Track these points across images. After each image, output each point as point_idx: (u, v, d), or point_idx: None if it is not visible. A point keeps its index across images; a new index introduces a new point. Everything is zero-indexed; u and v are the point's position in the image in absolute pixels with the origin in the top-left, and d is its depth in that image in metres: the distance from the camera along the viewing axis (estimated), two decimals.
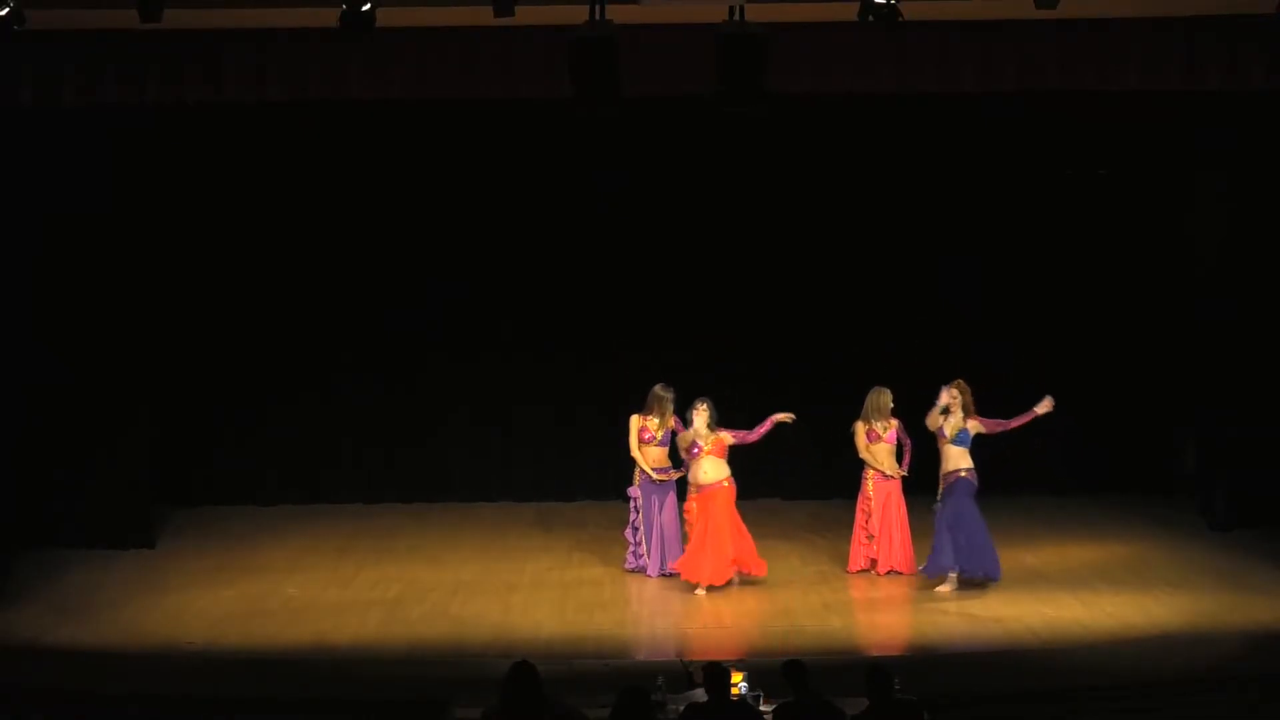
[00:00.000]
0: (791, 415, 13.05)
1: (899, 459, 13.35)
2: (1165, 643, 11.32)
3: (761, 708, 8.62)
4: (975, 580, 12.72)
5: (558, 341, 15.94)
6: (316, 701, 10.29)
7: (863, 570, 13.36)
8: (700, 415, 12.85)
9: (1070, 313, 15.96)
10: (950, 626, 11.89)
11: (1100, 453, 16.06)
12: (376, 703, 10.26)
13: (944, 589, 12.72)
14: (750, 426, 13.01)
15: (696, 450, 12.88)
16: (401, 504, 16.00)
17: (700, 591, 12.68)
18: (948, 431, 12.75)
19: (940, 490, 12.88)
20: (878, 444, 13.30)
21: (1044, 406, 12.82)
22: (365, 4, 10.83)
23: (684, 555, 12.93)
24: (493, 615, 12.25)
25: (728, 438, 12.92)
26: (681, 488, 13.35)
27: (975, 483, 12.83)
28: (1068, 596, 12.46)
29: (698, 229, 15.83)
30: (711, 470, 12.84)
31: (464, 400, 16.06)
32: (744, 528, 12.95)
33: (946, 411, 12.77)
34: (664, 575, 13.14)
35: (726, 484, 12.83)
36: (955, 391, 12.79)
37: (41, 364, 14.03)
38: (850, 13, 11.13)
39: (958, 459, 12.79)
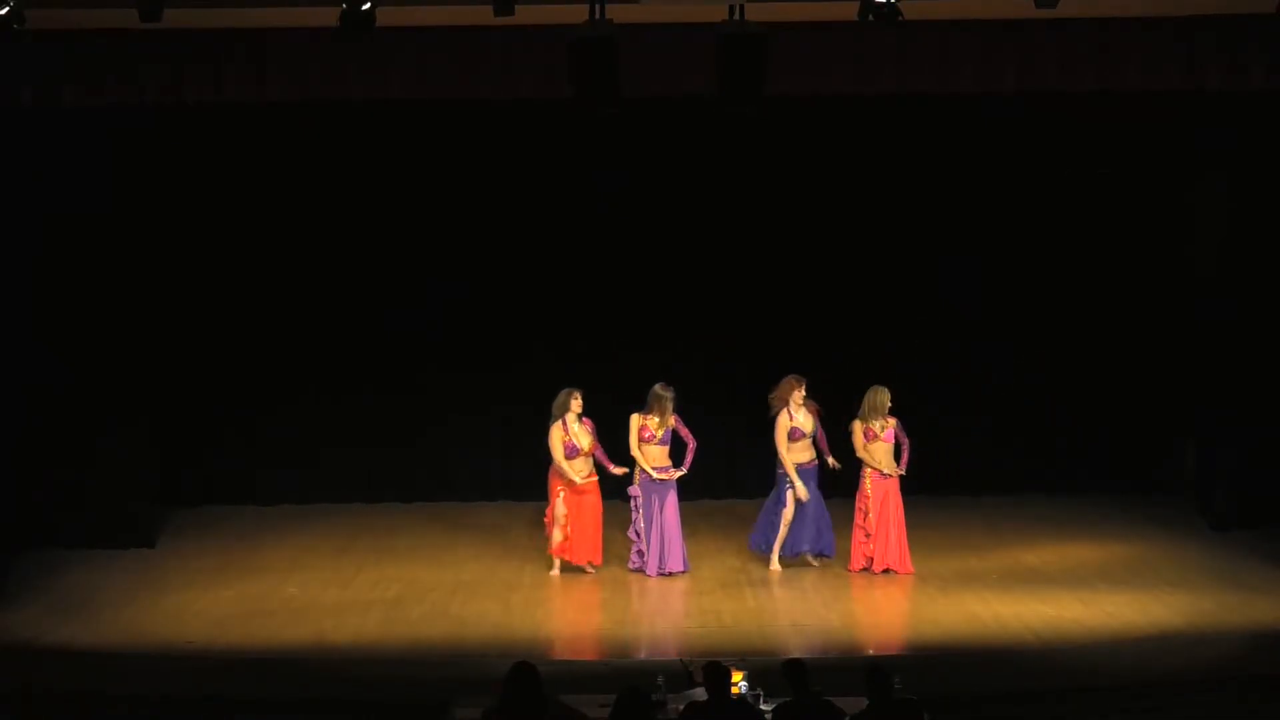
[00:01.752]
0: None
1: (896, 458, 13.35)
2: (1165, 643, 11.32)
3: (761, 707, 8.63)
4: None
5: (558, 341, 15.91)
6: (316, 701, 10.30)
7: (863, 569, 13.37)
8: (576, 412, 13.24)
9: (1070, 313, 15.95)
10: (950, 626, 11.88)
11: (1100, 453, 16.06)
12: (376, 703, 10.28)
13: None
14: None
15: (578, 451, 13.24)
16: (401, 504, 16.01)
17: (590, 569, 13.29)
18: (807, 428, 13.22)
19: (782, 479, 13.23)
20: (875, 443, 13.30)
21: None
22: (365, 4, 10.84)
23: (573, 542, 13.26)
24: (493, 615, 12.25)
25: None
26: (682, 487, 13.36)
27: None
28: (1068, 596, 12.45)
29: (698, 229, 15.82)
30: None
31: (464, 400, 16.04)
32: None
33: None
34: (664, 575, 13.16)
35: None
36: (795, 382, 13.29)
37: (41, 364, 14.04)
38: (850, 13, 11.12)
39: (802, 451, 13.24)
